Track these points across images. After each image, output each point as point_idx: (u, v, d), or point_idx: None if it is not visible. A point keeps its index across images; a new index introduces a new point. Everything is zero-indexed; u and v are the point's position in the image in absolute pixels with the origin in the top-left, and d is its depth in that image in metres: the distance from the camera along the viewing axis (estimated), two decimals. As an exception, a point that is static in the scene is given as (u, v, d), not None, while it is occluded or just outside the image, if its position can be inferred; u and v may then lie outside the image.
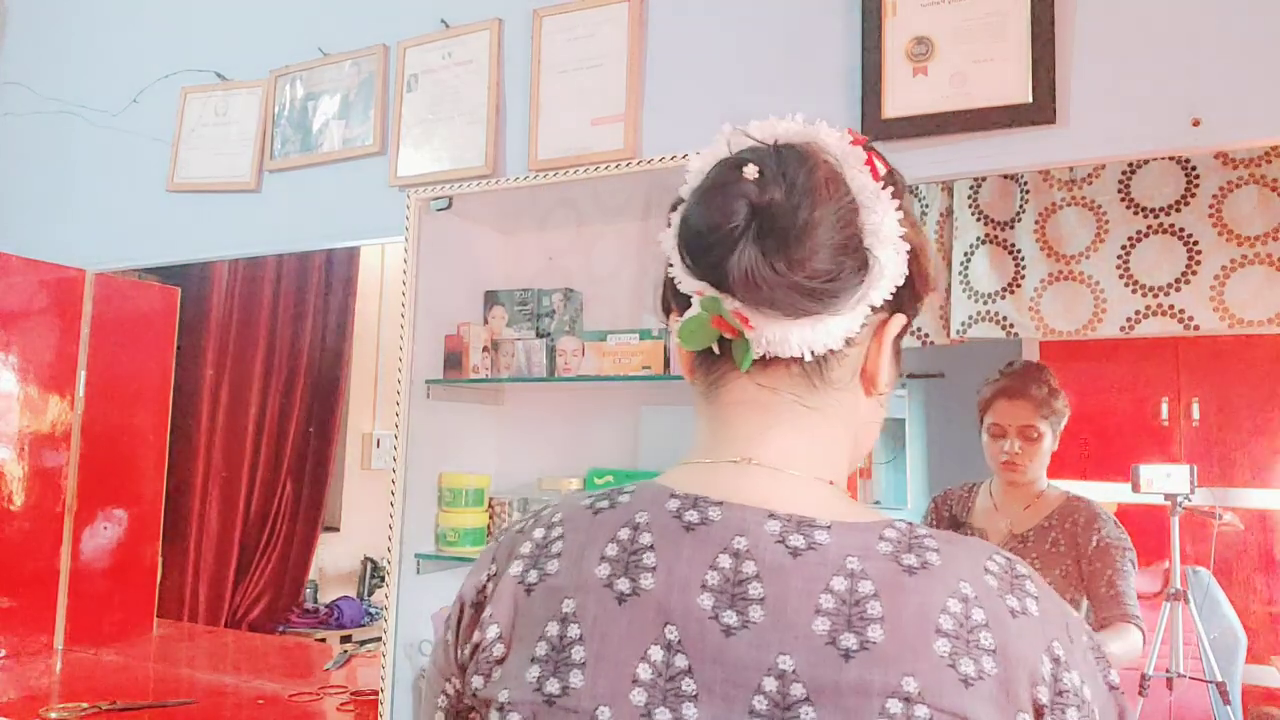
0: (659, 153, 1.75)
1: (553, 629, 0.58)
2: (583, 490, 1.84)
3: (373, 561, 3.98)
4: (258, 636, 3.29)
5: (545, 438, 2.07)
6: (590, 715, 0.55)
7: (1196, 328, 2.30)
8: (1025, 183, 2.54)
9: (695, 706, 0.54)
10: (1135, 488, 2.67)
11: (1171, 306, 2.33)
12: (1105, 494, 2.84)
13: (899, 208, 0.62)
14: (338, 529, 3.99)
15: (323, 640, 3.49)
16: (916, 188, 2.54)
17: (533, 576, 0.62)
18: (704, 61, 1.86)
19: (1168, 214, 2.36)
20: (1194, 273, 2.31)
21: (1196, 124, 1.44)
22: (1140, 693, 2.60)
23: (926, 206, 2.70)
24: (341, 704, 2.04)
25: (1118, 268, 2.40)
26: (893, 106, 1.64)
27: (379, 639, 1.88)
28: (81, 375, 2.51)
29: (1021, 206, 2.55)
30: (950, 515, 2.05)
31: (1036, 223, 2.51)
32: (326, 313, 3.89)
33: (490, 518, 1.97)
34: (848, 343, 0.62)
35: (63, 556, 2.44)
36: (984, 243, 2.60)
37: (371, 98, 2.23)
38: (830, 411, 0.64)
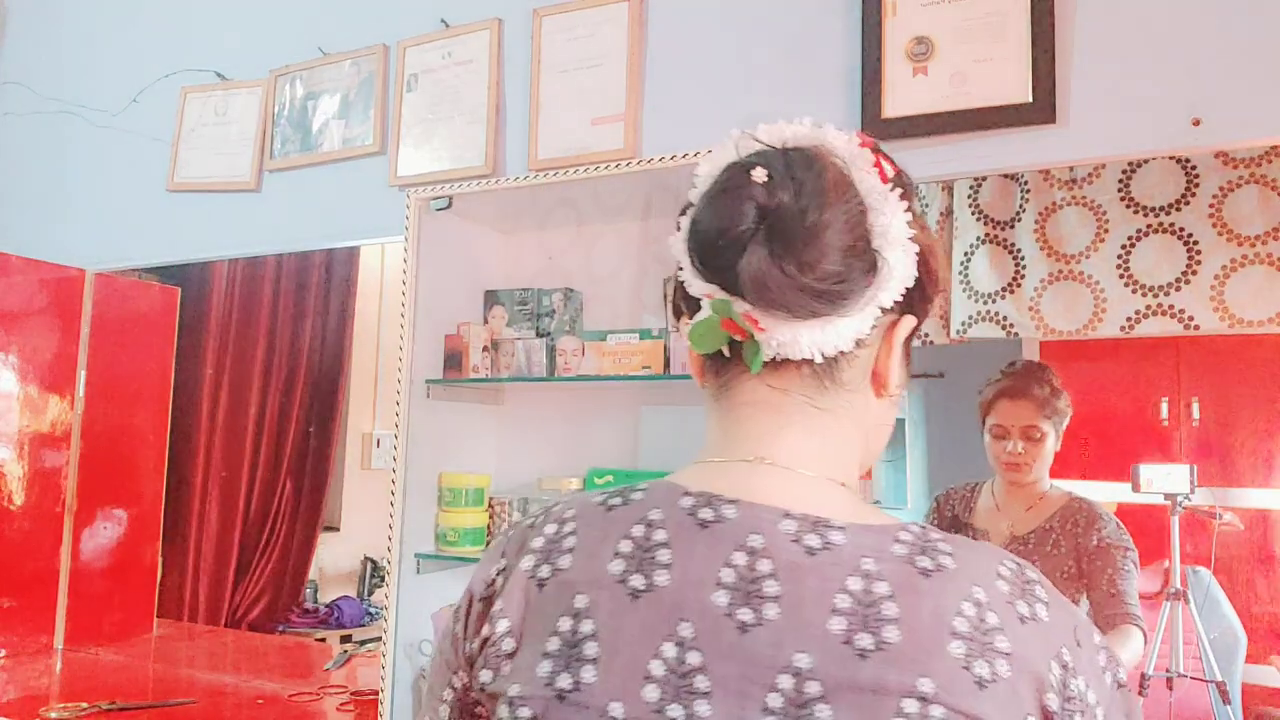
0: (659, 153, 1.75)
1: (565, 624, 0.58)
2: (584, 490, 1.84)
3: (373, 561, 3.98)
4: (258, 636, 3.29)
5: (545, 438, 2.07)
6: (602, 711, 0.55)
7: (1196, 328, 2.30)
8: (1025, 182, 2.54)
9: (708, 703, 0.54)
10: (1135, 487, 2.66)
11: (1171, 306, 2.33)
12: (1105, 494, 2.84)
13: (907, 209, 0.62)
14: (338, 529, 3.99)
15: (323, 640, 3.49)
16: (917, 187, 2.54)
17: (545, 571, 0.62)
18: (704, 61, 1.86)
19: (1168, 214, 2.36)
20: (1194, 272, 2.31)
21: (1196, 124, 1.44)
22: (1140, 692, 2.60)
23: (926, 206, 2.70)
24: (341, 704, 2.04)
25: (1118, 267, 2.40)
26: (893, 106, 1.64)
27: (379, 639, 1.88)
28: (81, 375, 2.50)
29: (1021, 206, 2.56)
30: (952, 515, 2.04)
31: (1036, 222, 2.51)
32: (326, 313, 3.89)
33: (490, 518, 1.97)
34: (858, 344, 0.62)
35: (63, 556, 2.44)
36: (984, 242, 2.60)
37: (371, 97, 2.23)
38: (841, 413, 0.64)
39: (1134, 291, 2.37)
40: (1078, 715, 0.54)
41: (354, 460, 4.07)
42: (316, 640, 3.46)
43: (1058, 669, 0.54)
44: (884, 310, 0.62)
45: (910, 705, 0.51)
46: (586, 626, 0.58)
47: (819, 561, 0.56)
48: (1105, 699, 0.56)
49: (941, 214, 2.68)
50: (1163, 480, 2.66)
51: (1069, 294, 2.45)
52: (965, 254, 2.63)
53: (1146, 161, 2.36)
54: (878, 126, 1.63)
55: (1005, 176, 2.55)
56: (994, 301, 2.55)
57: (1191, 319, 2.30)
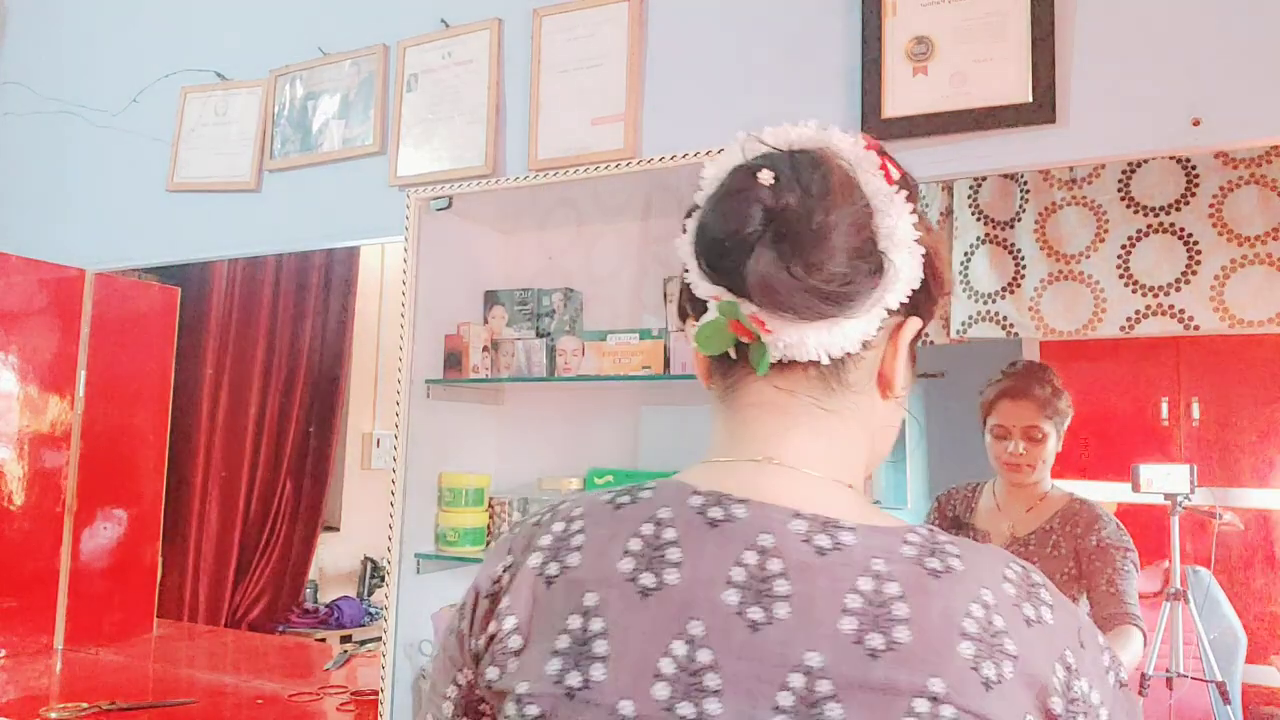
0: (659, 152, 1.75)
1: (575, 622, 0.59)
2: (584, 490, 1.84)
3: (373, 561, 3.98)
4: (258, 636, 3.29)
5: (545, 438, 2.07)
6: (612, 709, 0.55)
7: (1196, 328, 2.30)
8: (1025, 182, 2.54)
9: (719, 701, 0.54)
10: (1135, 487, 2.66)
11: (1171, 306, 2.33)
12: (1105, 494, 2.84)
13: (913, 211, 0.62)
14: (338, 529, 3.99)
15: (323, 640, 3.49)
16: (918, 187, 2.54)
17: (553, 569, 0.62)
18: (704, 61, 1.86)
19: (1168, 214, 2.36)
20: (1194, 272, 2.31)
21: (1196, 124, 1.44)
22: (1140, 692, 2.60)
23: (926, 206, 2.70)
24: (341, 704, 2.04)
25: (1118, 267, 2.40)
26: (893, 106, 1.64)
27: (379, 639, 1.88)
28: (81, 375, 2.50)
29: (1021, 206, 2.56)
30: (953, 515, 2.04)
31: (1036, 222, 2.51)
32: (326, 313, 3.89)
33: (490, 518, 1.97)
34: (864, 346, 0.63)
35: (63, 556, 2.44)
36: (984, 242, 2.60)
37: (371, 97, 2.23)
38: (848, 414, 0.65)
39: (1134, 291, 2.37)
40: (1081, 717, 0.54)
41: (354, 460, 4.06)
42: (316, 640, 3.46)
43: (1061, 671, 0.55)
44: (890, 312, 0.62)
45: (921, 705, 0.51)
46: (596, 624, 0.58)
47: (829, 561, 0.56)
48: (1109, 699, 0.57)
49: (941, 214, 2.68)
50: (1163, 480, 2.66)
51: (1069, 294, 2.45)
52: (965, 254, 2.63)
53: (1146, 161, 2.36)
54: (878, 126, 1.63)
55: (1005, 176, 2.55)
56: (994, 301, 2.56)
57: (1191, 319, 2.30)
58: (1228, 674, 2.73)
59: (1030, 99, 1.53)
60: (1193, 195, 2.34)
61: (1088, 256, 2.43)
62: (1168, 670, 2.65)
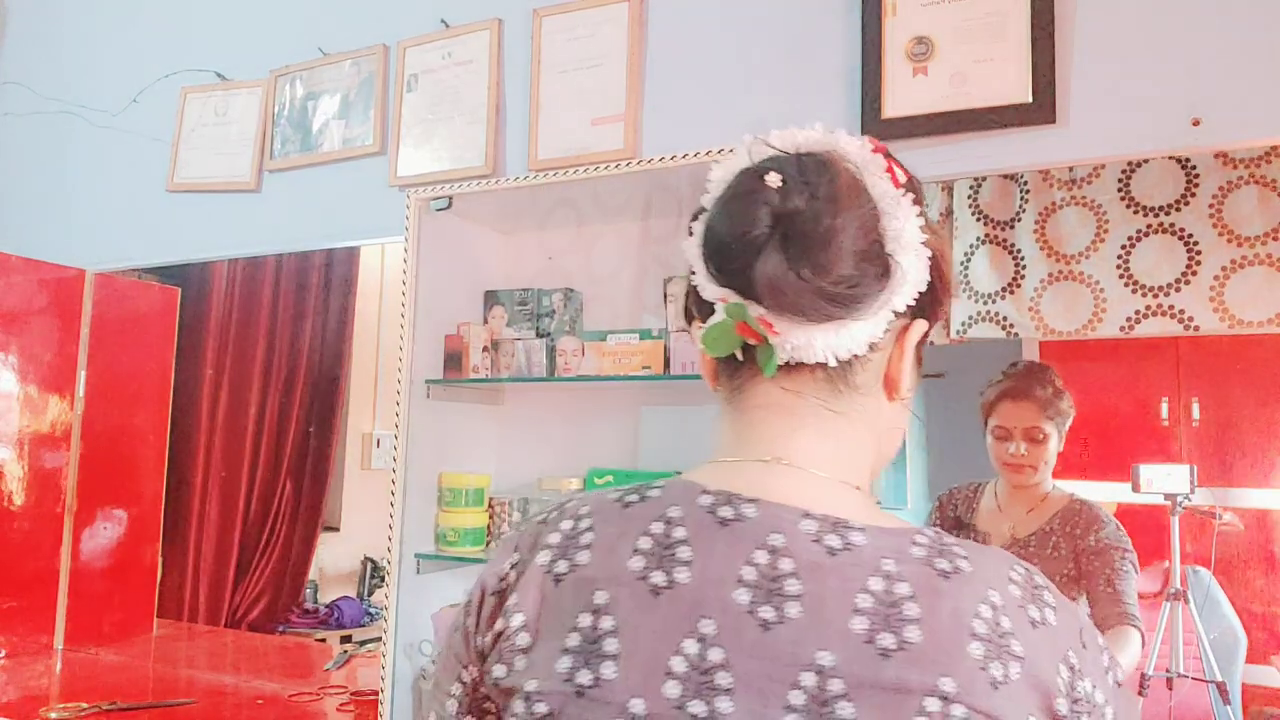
0: (659, 153, 1.75)
1: (585, 620, 0.59)
2: (585, 490, 1.84)
3: (373, 561, 3.98)
4: (257, 636, 3.28)
5: (545, 438, 2.07)
6: (623, 707, 0.56)
7: (1196, 328, 2.30)
8: (1025, 182, 2.54)
9: (730, 700, 0.54)
10: (1135, 487, 2.66)
11: (1171, 306, 2.33)
12: (1105, 494, 2.85)
13: (919, 214, 0.63)
14: (338, 529, 3.99)
15: (323, 640, 3.49)
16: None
17: (562, 567, 0.62)
18: (704, 61, 1.86)
19: (1168, 214, 2.36)
20: (1194, 273, 2.31)
21: (1196, 124, 1.44)
22: (1140, 692, 2.60)
23: (926, 206, 2.70)
24: (341, 704, 2.04)
25: (1118, 268, 2.40)
26: (893, 106, 1.64)
27: (379, 639, 1.88)
28: (81, 375, 2.50)
29: (1021, 206, 2.56)
30: (955, 516, 2.03)
31: (1036, 223, 2.51)
32: (326, 313, 3.89)
33: (490, 518, 1.97)
34: (871, 348, 0.63)
35: (63, 556, 2.44)
36: (984, 243, 2.60)
37: (371, 98, 2.23)
38: (855, 416, 0.65)
39: (1134, 291, 2.37)
40: (1085, 716, 0.55)
41: (354, 460, 4.06)
42: (316, 640, 3.46)
43: (1065, 671, 0.55)
44: (897, 314, 0.63)
45: (932, 704, 0.52)
46: (607, 623, 0.58)
47: (840, 562, 0.57)
48: (1111, 698, 0.58)
49: (941, 214, 2.68)
50: (1163, 480, 2.66)
51: (1069, 294, 2.45)
52: (965, 254, 2.63)
53: (1146, 161, 2.36)
54: (878, 126, 1.63)
55: (1005, 176, 2.55)
56: (994, 302, 2.56)
57: (1191, 319, 2.30)
58: (1228, 674, 2.73)
59: (1030, 99, 1.53)
60: (1192, 195, 2.34)
61: (1087, 257, 2.44)
62: (1168, 670, 2.65)
